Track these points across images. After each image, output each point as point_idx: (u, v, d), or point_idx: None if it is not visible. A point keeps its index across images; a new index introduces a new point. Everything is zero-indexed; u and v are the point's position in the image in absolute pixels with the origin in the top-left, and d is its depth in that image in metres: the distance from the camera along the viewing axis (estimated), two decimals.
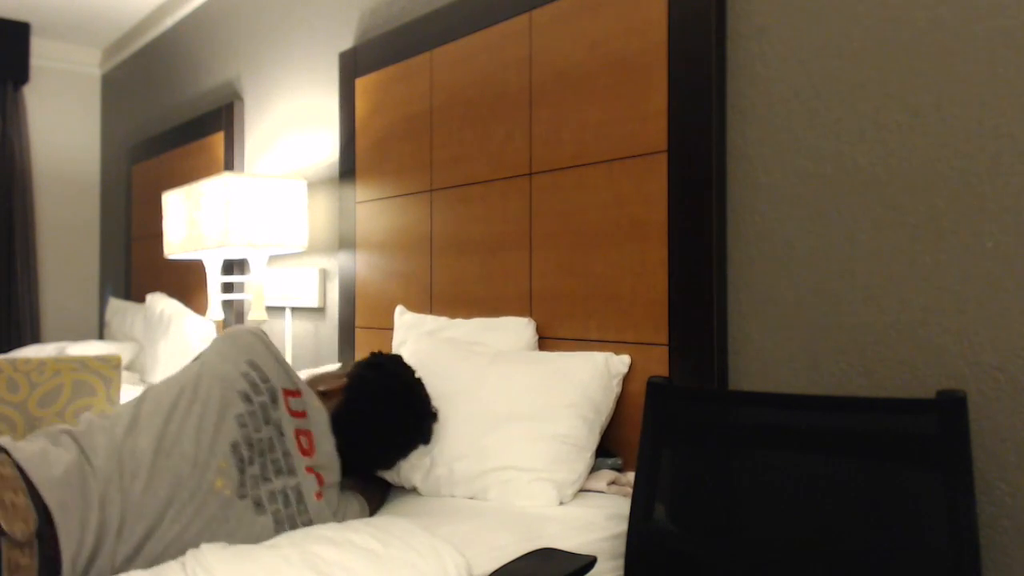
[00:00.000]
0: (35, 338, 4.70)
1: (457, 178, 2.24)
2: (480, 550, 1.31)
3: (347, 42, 2.79)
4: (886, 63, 1.39)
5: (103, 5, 4.26)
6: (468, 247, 2.20)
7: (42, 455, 1.15)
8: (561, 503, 1.55)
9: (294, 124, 3.10)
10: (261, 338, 1.46)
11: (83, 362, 2.40)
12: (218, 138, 3.58)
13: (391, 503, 1.64)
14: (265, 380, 1.40)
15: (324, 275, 2.89)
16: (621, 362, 1.75)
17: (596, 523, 1.48)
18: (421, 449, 1.65)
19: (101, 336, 5.10)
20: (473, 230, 2.19)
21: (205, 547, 1.17)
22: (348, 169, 2.67)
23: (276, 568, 1.13)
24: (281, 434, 1.36)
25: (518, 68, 2.06)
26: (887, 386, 1.38)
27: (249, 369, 1.40)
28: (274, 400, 1.39)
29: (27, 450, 1.16)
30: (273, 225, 2.76)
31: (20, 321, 4.62)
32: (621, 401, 1.77)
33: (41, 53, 4.89)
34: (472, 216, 2.19)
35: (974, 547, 1.11)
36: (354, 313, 2.63)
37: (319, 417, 1.44)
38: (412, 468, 1.65)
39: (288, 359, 2.88)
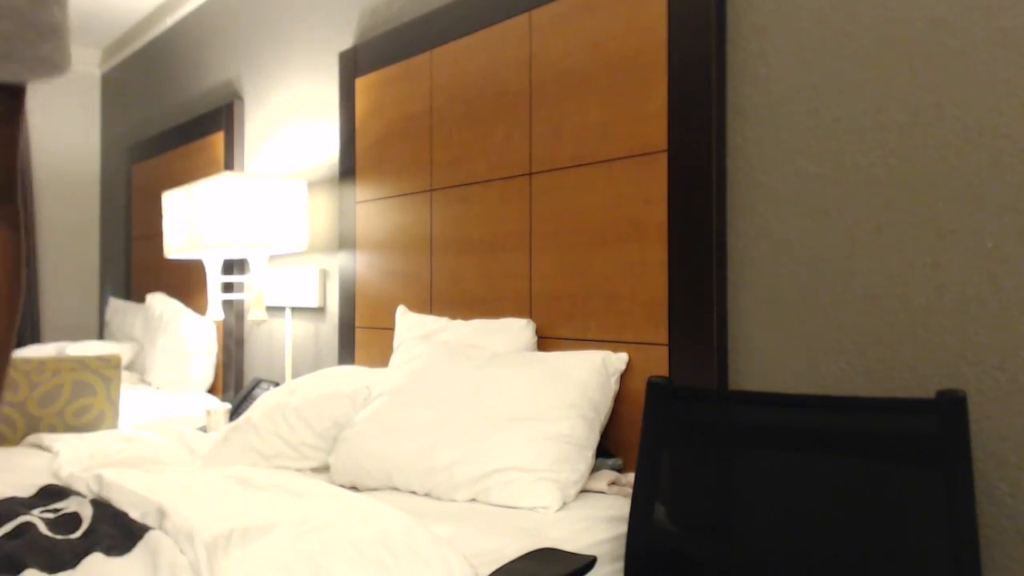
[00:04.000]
0: (35, 338, 4.70)
1: (457, 178, 2.24)
2: (481, 552, 1.31)
3: (347, 42, 2.79)
4: (886, 63, 1.39)
5: (103, 5, 4.26)
6: (468, 247, 2.20)
7: None
8: (564, 503, 1.55)
9: (294, 124, 3.10)
10: None
11: (83, 362, 2.40)
12: (218, 138, 3.58)
13: (393, 505, 1.64)
14: None
15: (324, 275, 2.89)
16: (619, 360, 1.75)
17: (597, 524, 1.48)
18: (421, 452, 1.65)
19: (101, 336, 5.10)
20: (473, 230, 2.18)
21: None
22: (348, 169, 2.67)
23: (281, 572, 1.13)
24: None
25: (518, 68, 2.06)
26: (887, 386, 1.38)
27: None
28: None
29: None
30: (273, 225, 2.76)
31: (20, 321, 4.62)
32: (621, 401, 1.77)
33: None
34: (472, 216, 2.19)
35: (974, 547, 1.11)
36: (354, 313, 2.63)
37: None
38: (412, 472, 1.65)
39: (288, 359, 2.88)
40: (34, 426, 2.33)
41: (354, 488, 1.76)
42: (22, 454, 2.12)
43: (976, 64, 1.28)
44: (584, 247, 1.88)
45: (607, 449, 1.79)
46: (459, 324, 2.10)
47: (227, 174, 2.69)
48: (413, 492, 1.68)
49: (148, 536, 1.24)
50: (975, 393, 1.28)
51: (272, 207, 2.76)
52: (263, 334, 3.28)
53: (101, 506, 1.43)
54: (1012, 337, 1.24)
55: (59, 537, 1.30)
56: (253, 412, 2.01)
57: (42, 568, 1.16)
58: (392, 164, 2.49)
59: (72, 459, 1.94)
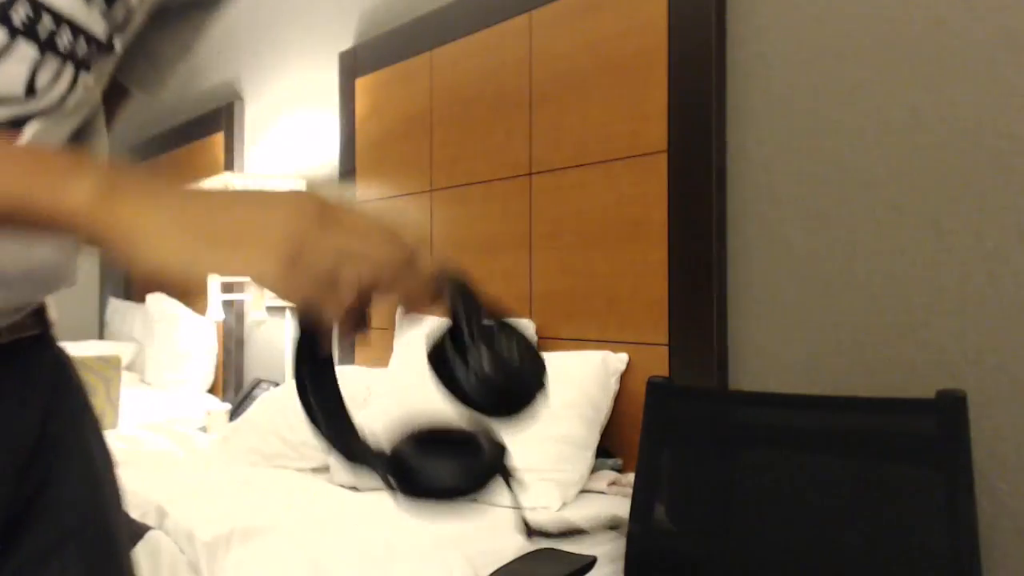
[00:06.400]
0: None
1: (457, 178, 2.24)
2: (481, 552, 1.31)
3: (347, 42, 2.78)
4: (886, 63, 1.39)
5: None
6: (468, 247, 2.20)
7: None
8: (564, 503, 1.55)
9: (294, 124, 3.10)
10: None
11: (83, 362, 2.40)
12: (218, 138, 3.57)
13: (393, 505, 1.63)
14: None
15: None
16: (619, 360, 1.75)
17: (597, 523, 1.48)
18: None
19: (101, 336, 5.10)
20: (473, 230, 2.18)
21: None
22: (348, 169, 2.67)
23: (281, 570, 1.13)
24: None
25: (518, 68, 2.06)
26: (887, 386, 1.38)
27: None
28: None
29: None
30: None
31: None
32: (621, 401, 1.77)
33: None
34: (472, 216, 2.19)
35: (974, 547, 1.11)
36: None
37: None
38: None
39: (288, 359, 2.88)
40: None
41: (354, 488, 1.76)
42: None
43: (976, 64, 1.28)
44: (584, 247, 1.88)
45: (607, 449, 1.79)
46: None
47: (227, 174, 2.69)
48: None
49: (148, 536, 1.24)
50: (975, 393, 1.28)
51: None
52: (263, 334, 3.28)
53: None
54: (1012, 337, 1.24)
55: None
56: (253, 412, 2.01)
57: None
58: (392, 164, 2.49)
59: None
